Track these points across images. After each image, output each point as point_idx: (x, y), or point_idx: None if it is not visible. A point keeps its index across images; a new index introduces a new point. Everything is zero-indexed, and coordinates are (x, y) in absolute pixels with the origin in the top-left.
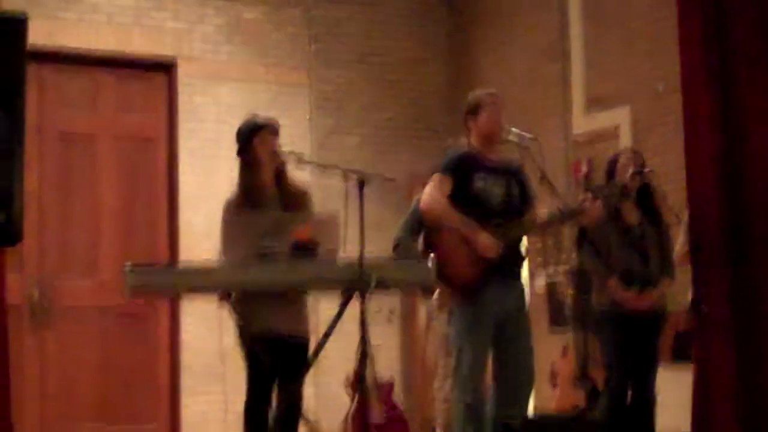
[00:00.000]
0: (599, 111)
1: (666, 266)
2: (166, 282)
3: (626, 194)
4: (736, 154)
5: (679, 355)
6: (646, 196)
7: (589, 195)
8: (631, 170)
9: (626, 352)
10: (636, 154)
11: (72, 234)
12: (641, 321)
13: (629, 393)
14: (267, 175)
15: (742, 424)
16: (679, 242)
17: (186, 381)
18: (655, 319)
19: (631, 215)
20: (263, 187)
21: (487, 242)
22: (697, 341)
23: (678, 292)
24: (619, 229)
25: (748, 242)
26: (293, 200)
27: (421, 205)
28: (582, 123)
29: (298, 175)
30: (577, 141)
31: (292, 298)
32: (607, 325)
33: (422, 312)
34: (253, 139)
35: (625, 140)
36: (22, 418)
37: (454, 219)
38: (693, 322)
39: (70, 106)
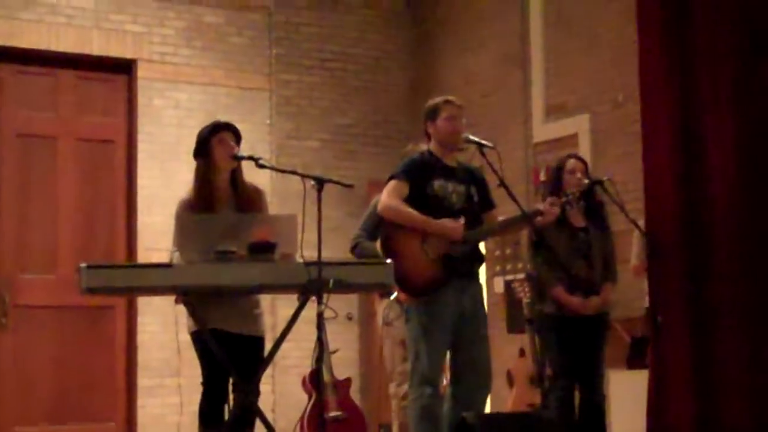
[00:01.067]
0: (559, 118)
1: (609, 271)
2: (121, 281)
3: (581, 201)
4: (695, 164)
5: (634, 362)
6: (592, 202)
7: (548, 201)
8: (583, 178)
9: (571, 354)
10: (581, 161)
11: (30, 233)
12: (586, 324)
13: (578, 395)
14: (222, 177)
15: (697, 430)
16: (634, 253)
17: (142, 381)
18: (599, 322)
19: (577, 219)
20: (218, 189)
21: (451, 224)
22: (652, 348)
23: (634, 299)
24: (566, 234)
25: (705, 251)
26: (248, 202)
27: (379, 207)
28: (542, 130)
29: (257, 179)
30: (537, 148)
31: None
32: (553, 329)
33: (380, 314)
34: (212, 139)
35: (584, 148)
36: None
37: (412, 216)
38: (649, 330)
39: (30, 107)
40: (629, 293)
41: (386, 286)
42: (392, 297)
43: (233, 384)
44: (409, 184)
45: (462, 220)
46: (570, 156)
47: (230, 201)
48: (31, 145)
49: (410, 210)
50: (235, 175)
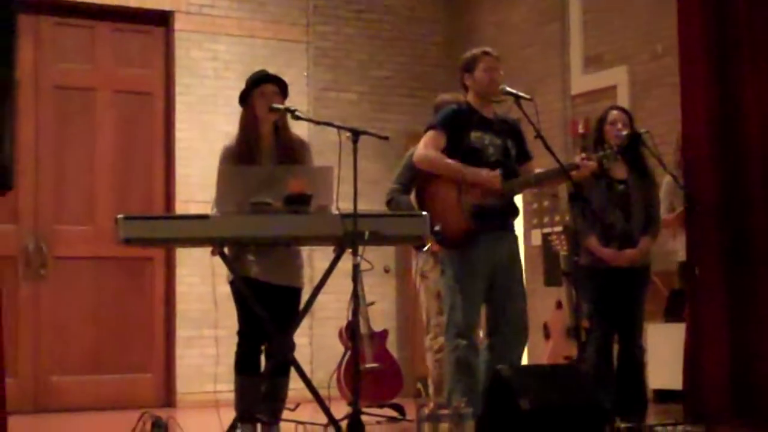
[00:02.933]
0: (597, 71)
1: (649, 224)
2: (157, 232)
3: (619, 155)
4: (732, 116)
5: (671, 314)
6: (634, 153)
7: (585, 154)
8: (624, 131)
9: (608, 305)
10: (624, 112)
11: (68, 185)
12: (624, 277)
13: (616, 347)
14: (265, 127)
15: (732, 382)
16: (662, 206)
17: (180, 332)
18: (638, 274)
19: (619, 171)
20: (260, 138)
21: (489, 176)
22: (689, 301)
23: (672, 252)
24: (605, 185)
25: (743, 204)
26: (290, 153)
27: (415, 157)
28: (580, 83)
29: (295, 131)
30: (575, 100)
31: (284, 249)
32: (589, 281)
33: (416, 267)
34: (254, 91)
35: (623, 100)
36: (16, 370)
37: (449, 165)
38: (686, 283)
39: (68, 60)
40: (667, 246)
41: (422, 238)
42: (425, 249)
43: (268, 334)
44: (446, 135)
45: (499, 171)
46: (612, 107)
47: (273, 152)
48: (68, 98)
49: (447, 159)
50: (280, 125)
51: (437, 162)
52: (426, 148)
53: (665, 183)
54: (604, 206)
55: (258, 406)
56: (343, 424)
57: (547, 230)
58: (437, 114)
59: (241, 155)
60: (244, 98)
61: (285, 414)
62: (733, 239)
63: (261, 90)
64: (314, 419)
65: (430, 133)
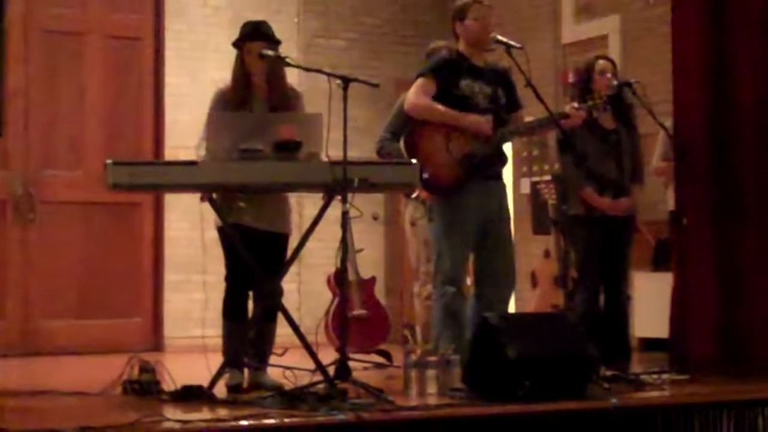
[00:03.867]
0: (589, 20)
1: (637, 173)
2: (146, 178)
3: (608, 105)
4: (724, 66)
5: (659, 263)
6: (621, 104)
7: (574, 104)
8: (614, 81)
9: (598, 254)
10: (611, 61)
11: (57, 130)
12: (612, 226)
13: (602, 295)
14: (256, 75)
15: (718, 331)
16: (657, 153)
17: (169, 276)
18: (625, 224)
19: (608, 121)
20: (252, 85)
21: (479, 122)
22: (676, 251)
23: (660, 201)
24: (597, 136)
25: (732, 155)
26: (282, 102)
27: (405, 105)
28: (571, 31)
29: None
30: (567, 49)
31: (272, 195)
32: (581, 229)
33: (406, 214)
34: (243, 46)
35: (614, 49)
36: (5, 313)
37: (440, 111)
38: (674, 232)
39: (57, 4)
40: (654, 195)
41: (411, 186)
42: (413, 196)
43: (256, 281)
44: (436, 83)
45: (491, 117)
46: (599, 57)
47: (265, 99)
48: (58, 42)
49: (438, 105)
50: (274, 72)
51: (428, 109)
52: (416, 95)
53: (662, 131)
54: (598, 156)
55: (245, 351)
56: (330, 369)
57: (536, 179)
58: (429, 61)
59: (234, 101)
60: (238, 45)
61: (272, 359)
62: (722, 189)
63: (248, 47)
64: (301, 365)
65: (420, 81)
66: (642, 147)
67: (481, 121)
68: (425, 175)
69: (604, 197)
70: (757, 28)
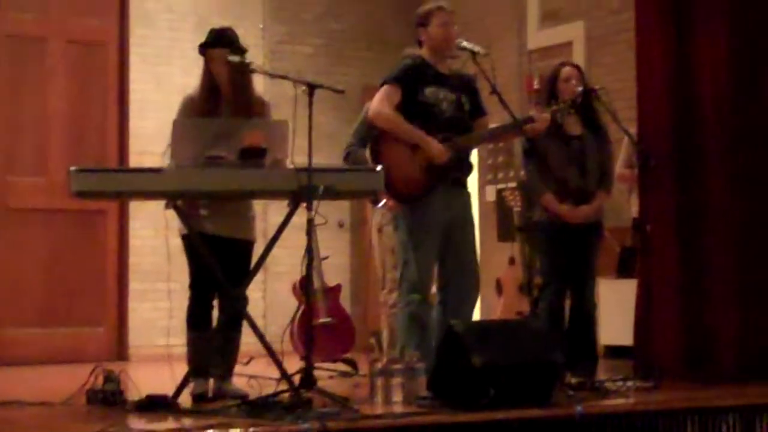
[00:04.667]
0: (553, 26)
1: (604, 180)
2: (110, 185)
3: (572, 109)
4: (688, 74)
5: (624, 270)
6: (588, 110)
7: (538, 109)
8: (579, 87)
9: (562, 261)
10: (576, 68)
11: (21, 136)
12: (577, 233)
13: (569, 302)
14: (222, 82)
15: (683, 338)
16: (621, 159)
17: (133, 285)
18: (591, 231)
19: (574, 127)
20: (220, 92)
21: (438, 149)
22: (641, 258)
23: (624, 209)
24: (560, 141)
25: (696, 161)
26: (248, 108)
27: (370, 113)
28: (536, 37)
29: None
30: (531, 55)
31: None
32: (544, 236)
33: (373, 221)
34: (206, 53)
35: (579, 56)
36: None
37: (403, 127)
38: (637, 239)
39: (20, 8)
40: (620, 203)
41: (376, 193)
42: (381, 204)
43: (220, 289)
44: (401, 90)
45: (448, 149)
46: (564, 63)
47: (233, 105)
48: (20, 47)
49: (401, 119)
50: (240, 79)
51: (391, 121)
52: (381, 103)
53: (626, 138)
54: (560, 162)
55: (210, 360)
56: (296, 378)
57: (501, 186)
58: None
59: (201, 108)
60: (203, 51)
61: (238, 368)
62: (685, 196)
63: (212, 54)
64: (267, 373)
65: (385, 88)
66: (612, 152)
67: (440, 151)
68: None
69: (566, 204)
70: (720, 36)
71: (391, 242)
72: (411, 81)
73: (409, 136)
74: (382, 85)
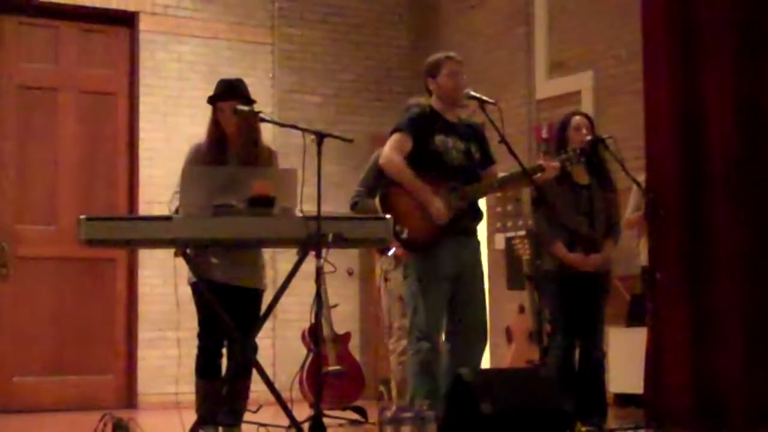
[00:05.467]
0: (562, 76)
1: (611, 228)
2: (120, 233)
3: (582, 157)
4: (695, 123)
5: (633, 318)
6: (595, 159)
7: (548, 158)
8: (588, 136)
9: (571, 310)
10: (586, 117)
11: (31, 185)
12: (586, 281)
13: (578, 351)
14: (231, 131)
15: (693, 387)
16: (630, 205)
17: (143, 333)
18: (599, 279)
19: (581, 176)
20: (228, 141)
21: (438, 210)
22: (650, 306)
23: (634, 256)
24: (568, 190)
25: (704, 210)
26: (256, 157)
27: (381, 161)
28: (545, 87)
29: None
30: (540, 105)
31: (246, 251)
32: (553, 285)
33: (378, 269)
34: (215, 104)
35: (587, 105)
36: None
37: (410, 182)
38: (647, 287)
39: (31, 59)
40: (629, 251)
41: (385, 241)
42: (390, 253)
43: (230, 337)
44: (412, 138)
45: (448, 213)
46: (575, 113)
47: (240, 155)
48: (32, 97)
49: (409, 173)
50: (245, 128)
51: (400, 172)
52: (392, 152)
53: (635, 185)
54: (569, 211)
55: (219, 408)
56: (305, 426)
57: (510, 234)
58: (403, 116)
59: (209, 157)
60: (213, 102)
61: (247, 416)
62: (694, 244)
63: (221, 106)
64: (276, 421)
65: (396, 136)
66: (619, 202)
67: (440, 214)
68: (404, 235)
69: (575, 252)
70: (727, 83)
71: (398, 290)
72: (421, 129)
73: (414, 191)
74: (392, 132)
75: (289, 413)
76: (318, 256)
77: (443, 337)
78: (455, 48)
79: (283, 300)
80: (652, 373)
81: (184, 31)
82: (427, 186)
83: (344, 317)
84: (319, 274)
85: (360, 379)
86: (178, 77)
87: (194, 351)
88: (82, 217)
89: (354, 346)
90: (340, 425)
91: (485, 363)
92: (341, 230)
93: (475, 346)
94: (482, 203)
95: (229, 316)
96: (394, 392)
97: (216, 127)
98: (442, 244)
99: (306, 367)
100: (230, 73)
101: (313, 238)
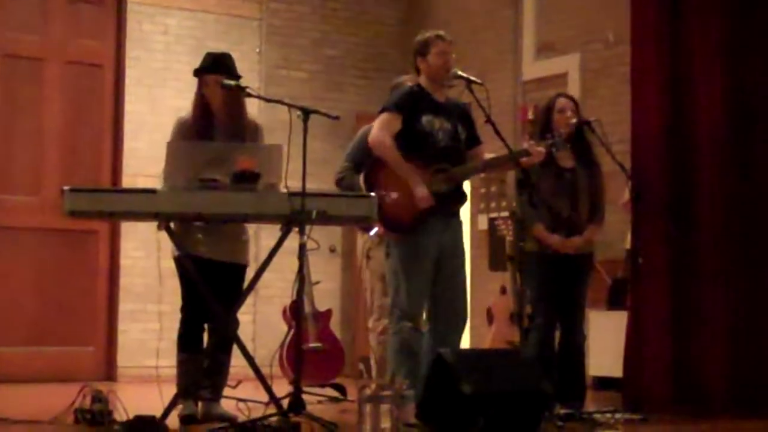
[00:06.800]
0: (549, 57)
1: (595, 212)
2: (103, 205)
3: (568, 143)
4: (682, 108)
5: (614, 302)
6: (580, 142)
7: (533, 141)
8: (573, 119)
9: (551, 292)
10: (571, 99)
11: (15, 155)
12: (568, 264)
13: (558, 333)
14: (216, 106)
15: (673, 371)
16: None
17: (124, 306)
18: (581, 262)
19: (566, 160)
20: (213, 115)
21: (422, 194)
22: (632, 290)
23: (617, 240)
24: (552, 173)
25: (689, 195)
26: (241, 131)
27: (370, 140)
28: (532, 68)
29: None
30: (526, 86)
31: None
32: (535, 267)
33: (360, 247)
34: (201, 78)
35: (574, 87)
36: None
37: (398, 164)
38: (629, 271)
39: (18, 29)
40: (612, 235)
41: (369, 220)
42: (373, 232)
43: (211, 312)
44: (401, 117)
45: (432, 199)
46: (560, 95)
47: (225, 129)
48: (17, 67)
49: (398, 155)
50: (230, 103)
51: (389, 155)
52: (382, 132)
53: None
54: (552, 194)
55: (199, 382)
56: (285, 402)
57: (493, 215)
58: (392, 95)
59: (195, 131)
60: (199, 75)
61: (226, 391)
62: (678, 229)
63: (205, 79)
64: (255, 397)
65: (386, 116)
66: (604, 186)
67: (424, 199)
68: (392, 197)
69: (556, 235)
70: (714, 66)
71: (380, 269)
72: (410, 108)
73: (401, 174)
74: (382, 111)
75: (268, 389)
76: (301, 232)
77: (424, 316)
78: (443, 27)
79: (264, 276)
80: (631, 357)
81: (172, 3)
82: (414, 170)
83: (326, 294)
84: (302, 250)
85: (340, 356)
86: (164, 50)
87: (175, 325)
88: (66, 188)
89: (335, 323)
90: (319, 402)
91: (465, 343)
92: (325, 207)
93: (453, 328)
94: (466, 184)
95: (211, 291)
96: (374, 370)
97: (201, 100)
98: (425, 225)
99: (286, 343)
100: (217, 47)
101: (296, 215)
